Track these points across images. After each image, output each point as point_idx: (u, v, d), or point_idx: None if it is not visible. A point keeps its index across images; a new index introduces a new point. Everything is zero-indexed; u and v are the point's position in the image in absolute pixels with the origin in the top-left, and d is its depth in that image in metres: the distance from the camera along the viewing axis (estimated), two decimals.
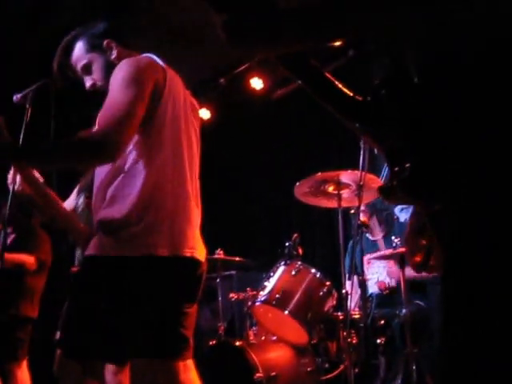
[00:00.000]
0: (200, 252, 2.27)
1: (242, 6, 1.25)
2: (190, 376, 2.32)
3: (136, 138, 2.19)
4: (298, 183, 4.01)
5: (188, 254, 2.19)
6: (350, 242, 4.41)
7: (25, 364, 4.73)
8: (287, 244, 4.16)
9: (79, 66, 2.41)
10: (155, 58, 2.34)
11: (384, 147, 1.35)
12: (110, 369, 2.40)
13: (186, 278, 2.23)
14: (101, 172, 2.28)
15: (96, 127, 2.20)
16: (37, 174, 2.49)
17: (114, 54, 2.40)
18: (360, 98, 1.37)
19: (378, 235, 4.76)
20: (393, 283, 4.62)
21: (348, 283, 3.98)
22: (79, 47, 2.41)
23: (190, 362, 2.33)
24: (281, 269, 4.14)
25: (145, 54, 2.36)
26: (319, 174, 3.97)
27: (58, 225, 2.65)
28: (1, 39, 5.40)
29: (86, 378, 2.13)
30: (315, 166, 4.73)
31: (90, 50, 2.40)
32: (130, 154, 2.19)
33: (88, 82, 2.41)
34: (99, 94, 2.33)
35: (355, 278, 4.12)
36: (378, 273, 4.70)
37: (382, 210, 4.79)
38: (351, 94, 1.39)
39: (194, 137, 2.40)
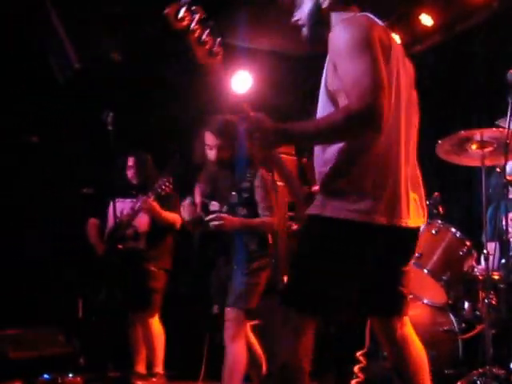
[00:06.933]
0: (414, 219, 2.27)
1: None
2: (406, 331, 2.38)
3: None
4: (439, 141, 3.93)
5: (403, 224, 2.19)
6: (490, 209, 4.24)
7: (157, 315, 4.90)
8: (427, 203, 4.09)
9: None
10: (373, 17, 2.18)
11: None
12: None
13: (402, 245, 2.29)
14: None
15: (347, 100, 2.01)
16: None
17: (326, 3, 2.25)
18: None
19: None
20: None
21: (490, 244, 3.89)
22: None
23: (406, 318, 2.40)
24: (420, 228, 4.08)
25: (362, 14, 2.20)
26: (462, 132, 3.86)
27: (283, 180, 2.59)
28: None
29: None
30: (456, 125, 4.57)
31: None
32: None
33: (295, 17, 2.30)
34: None
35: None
36: None
37: None
38: None
39: (414, 104, 2.33)
